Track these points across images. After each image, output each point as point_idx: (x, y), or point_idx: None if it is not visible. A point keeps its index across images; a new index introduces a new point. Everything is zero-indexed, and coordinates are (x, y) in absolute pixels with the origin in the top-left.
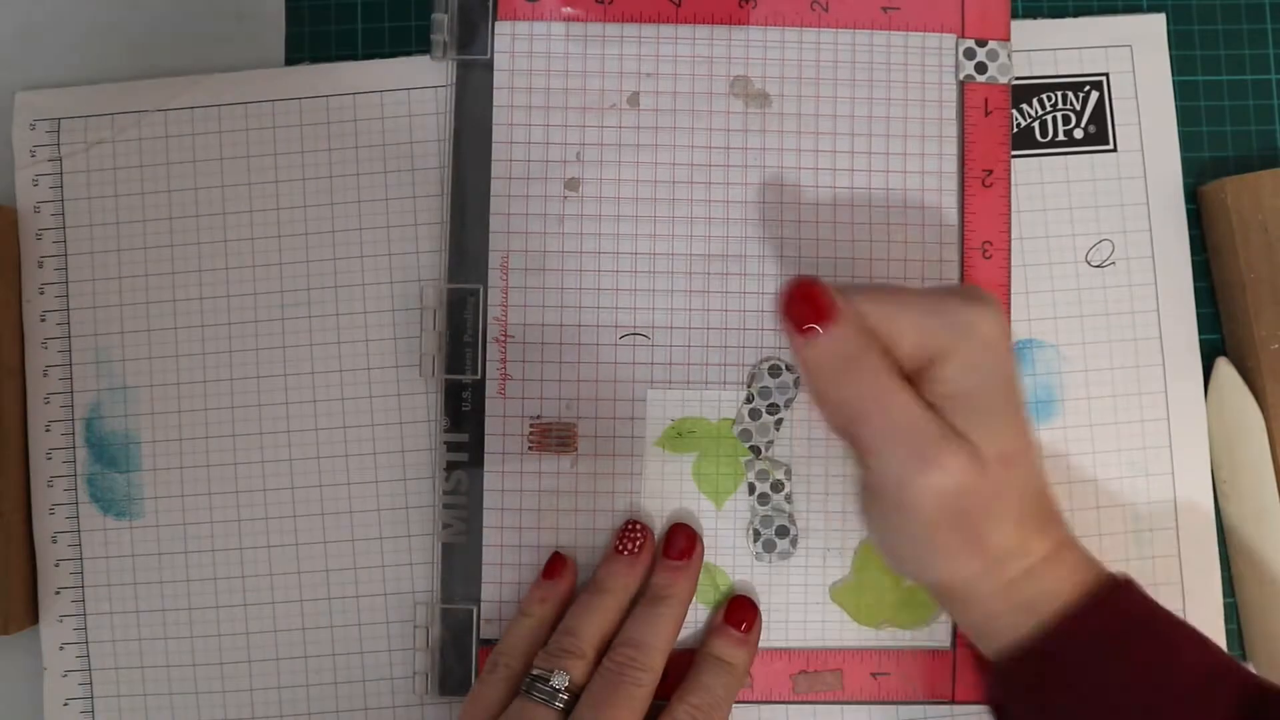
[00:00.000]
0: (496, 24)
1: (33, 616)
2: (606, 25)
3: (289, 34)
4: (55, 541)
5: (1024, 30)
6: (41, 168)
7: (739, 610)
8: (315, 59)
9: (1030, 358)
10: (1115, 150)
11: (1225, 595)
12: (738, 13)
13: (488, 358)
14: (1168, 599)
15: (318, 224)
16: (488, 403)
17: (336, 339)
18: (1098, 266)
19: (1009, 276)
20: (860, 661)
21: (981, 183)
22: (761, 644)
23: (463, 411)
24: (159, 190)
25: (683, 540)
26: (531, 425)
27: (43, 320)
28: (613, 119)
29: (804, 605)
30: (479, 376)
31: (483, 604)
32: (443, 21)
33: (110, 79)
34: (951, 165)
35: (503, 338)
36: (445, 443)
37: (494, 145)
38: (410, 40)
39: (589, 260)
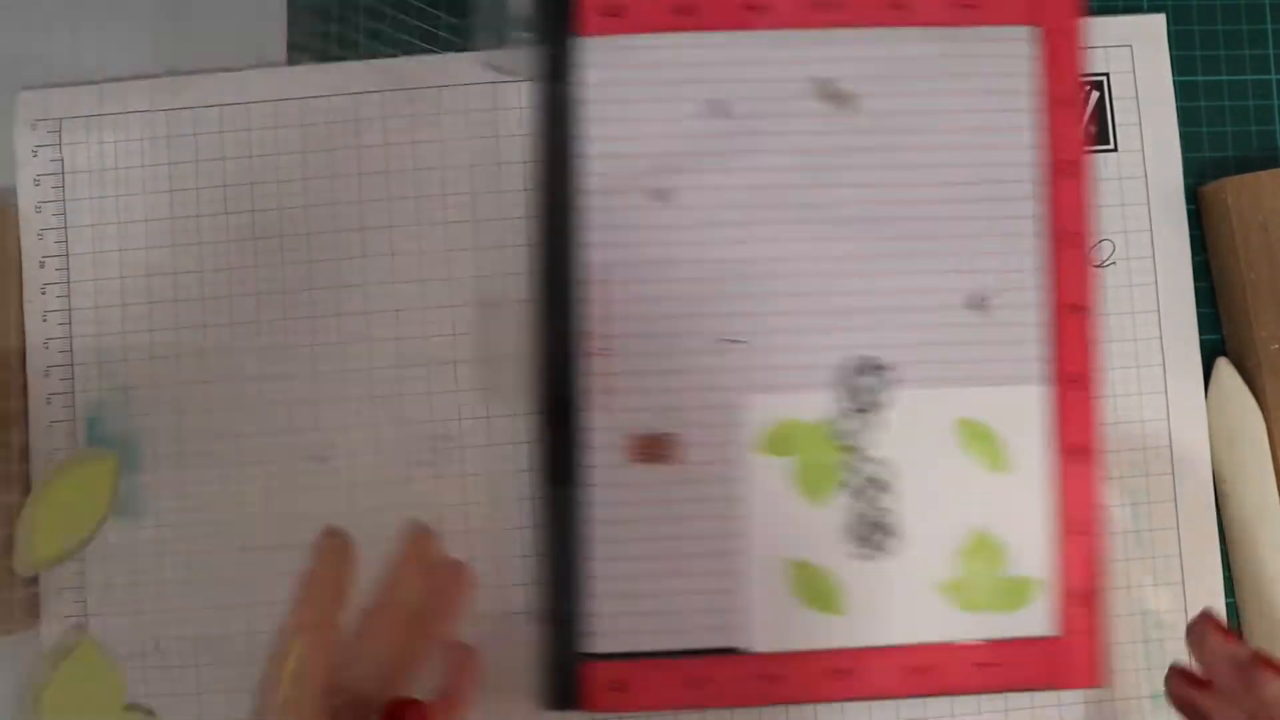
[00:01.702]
0: (578, 40)
1: (33, 616)
2: (687, 35)
3: (289, 34)
4: None
5: None
6: (43, 167)
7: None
8: (315, 59)
9: None
10: (1115, 150)
11: (1226, 595)
12: (816, 15)
13: (586, 371)
14: (1168, 598)
15: (335, 221)
16: (587, 417)
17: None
18: (1098, 267)
19: (1091, 264)
20: (967, 654)
21: (1062, 173)
22: (868, 642)
23: (562, 427)
24: (160, 190)
25: None
26: (633, 438)
27: (44, 320)
28: (700, 128)
29: (907, 601)
30: (578, 391)
31: (589, 618)
32: (524, 39)
33: (110, 79)
34: (1031, 156)
35: (600, 351)
36: (544, 458)
37: (583, 159)
38: (411, 40)
39: (682, 269)
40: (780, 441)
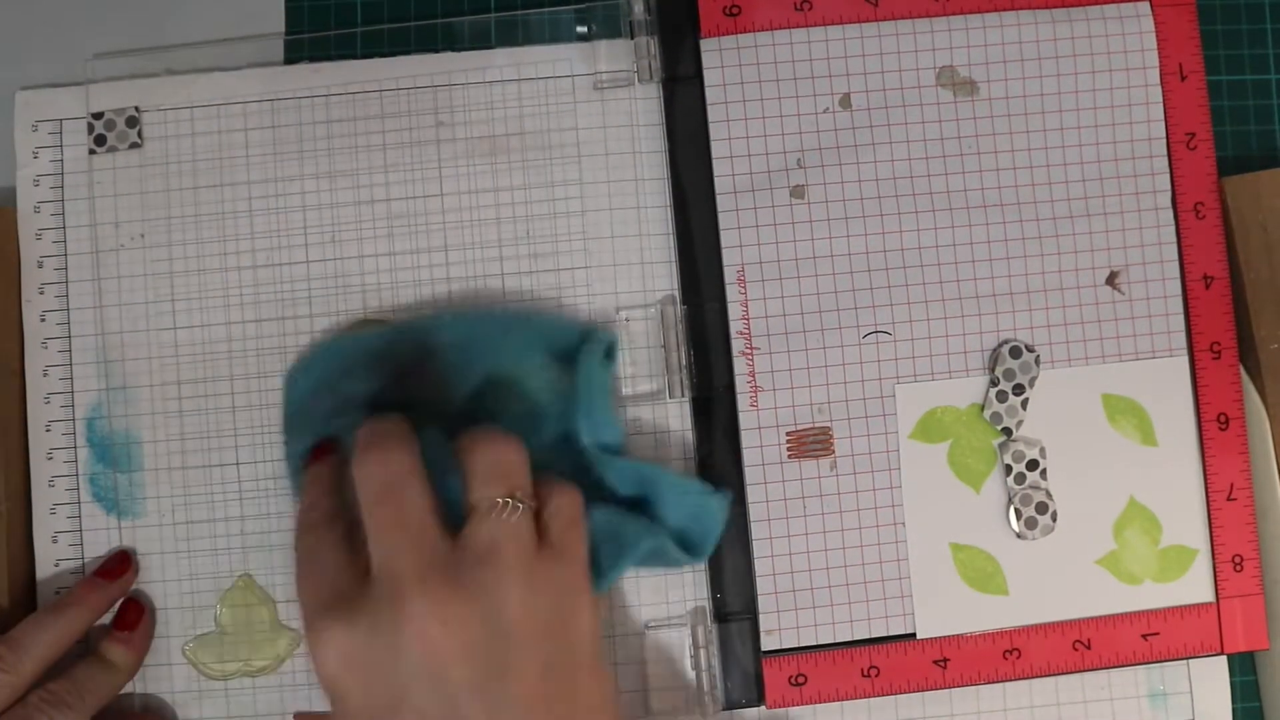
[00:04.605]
0: (701, 41)
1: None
2: (809, 30)
3: (288, 34)
4: (56, 541)
5: None
6: (43, 168)
7: (124, 612)
8: (314, 59)
9: None
10: None
11: None
12: (934, 4)
13: (736, 371)
14: None
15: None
16: (741, 416)
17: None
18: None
19: (1222, 235)
20: (1131, 625)
21: (1186, 145)
22: (1034, 620)
23: (716, 427)
24: (158, 190)
25: (132, 613)
26: (788, 435)
27: (43, 320)
28: (827, 123)
29: (1071, 577)
30: (730, 391)
31: (761, 615)
32: (645, 45)
33: (109, 79)
34: (1157, 130)
35: (749, 350)
36: (701, 460)
37: (715, 161)
38: (409, 41)
39: (823, 265)
40: (932, 428)
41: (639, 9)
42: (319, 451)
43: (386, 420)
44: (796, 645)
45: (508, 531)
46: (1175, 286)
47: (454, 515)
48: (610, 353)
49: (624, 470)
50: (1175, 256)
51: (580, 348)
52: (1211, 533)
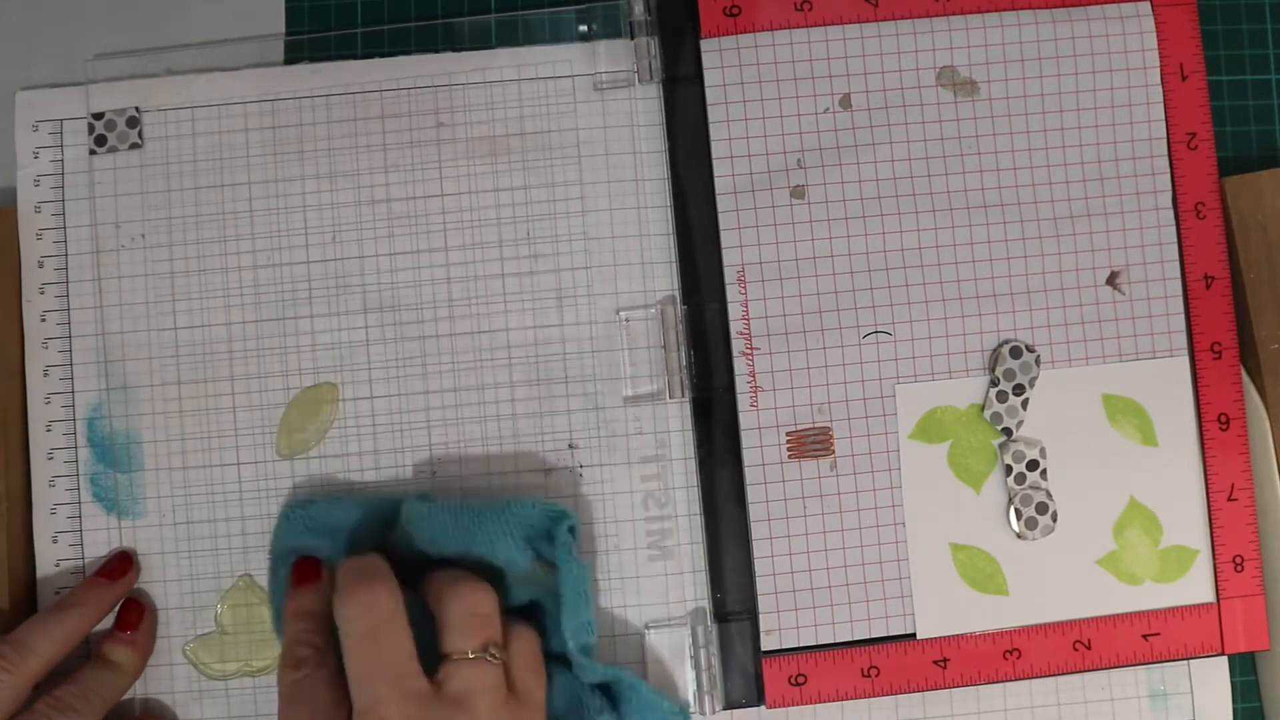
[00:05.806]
0: (701, 41)
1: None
2: (809, 30)
3: (288, 35)
4: (56, 542)
5: None
6: (43, 168)
7: (126, 613)
8: (315, 59)
9: None
10: None
11: None
12: (934, 4)
13: (736, 372)
14: None
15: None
16: (741, 416)
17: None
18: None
19: (1223, 235)
20: (1131, 625)
21: (1187, 145)
22: (1035, 620)
23: (716, 428)
24: (158, 190)
25: (133, 613)
26: (788, 435)
27: (43, 320)
28: (828, 123)
29: (1071, 578)
30: (730, 392)
31: (761, 615)
32: (646, 45)
33: (109, 79)
34: (1158, 130)
35: (749, 350)
36: (701, 460)
37: (715, 161)
38: (410, 41)
39: (823, 265)
40: (933, 428)
41: (639, 9)
42: (301, 574)
43: (368, 559)
44: (796, 645)
45: (483, 684)
46: (1176, 286)
47: (425, 656)
48: (573, 530)
49: (601, 674)
50: (1176, 256)
51: (554, 530)
52: (1212, 533)
